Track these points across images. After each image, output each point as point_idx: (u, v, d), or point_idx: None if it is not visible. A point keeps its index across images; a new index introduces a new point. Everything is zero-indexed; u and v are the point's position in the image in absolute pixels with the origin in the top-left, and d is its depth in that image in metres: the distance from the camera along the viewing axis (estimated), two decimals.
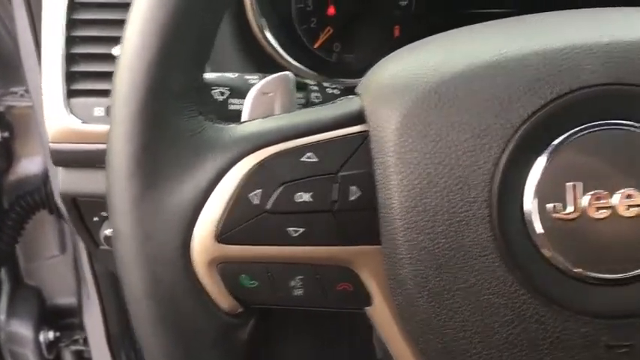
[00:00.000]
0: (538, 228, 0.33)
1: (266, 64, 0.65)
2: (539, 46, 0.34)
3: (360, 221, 0.35)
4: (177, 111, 0.35)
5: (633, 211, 0.32)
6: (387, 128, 0.34)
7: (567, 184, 0.32)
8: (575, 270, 0.33)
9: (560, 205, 0.32)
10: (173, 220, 0.35)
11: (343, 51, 0.71)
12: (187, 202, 0.35)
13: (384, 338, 0.37)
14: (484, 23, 0.39)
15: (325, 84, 0.55)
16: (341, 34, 0.71)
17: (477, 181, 0.33)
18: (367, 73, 0.39)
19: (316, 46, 0.71)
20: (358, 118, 0.36)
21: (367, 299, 0.37)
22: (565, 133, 0.33)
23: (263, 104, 0.41)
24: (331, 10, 0.70)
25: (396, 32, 0.70)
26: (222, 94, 0.49)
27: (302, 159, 0.35)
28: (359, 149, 0.35)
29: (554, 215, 0.32)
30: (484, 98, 0.33)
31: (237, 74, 0.51)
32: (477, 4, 0.69)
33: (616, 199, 0.32)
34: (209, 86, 0.49)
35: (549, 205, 0.33)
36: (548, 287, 0.33)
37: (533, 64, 0.33)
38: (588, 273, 0.33)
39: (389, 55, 0.40)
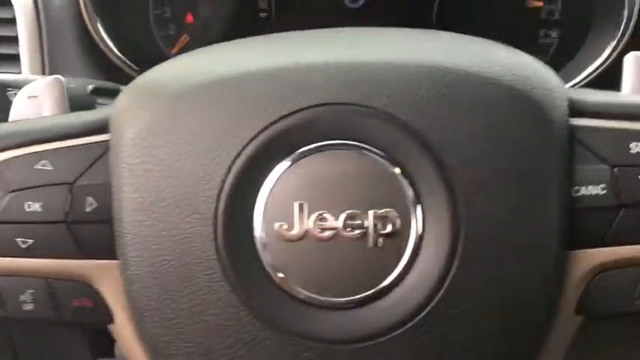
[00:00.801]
0: (265, 248, 0.31)
1: (111, 70, 0.63)
2: (273, 64, 0.33)
3: (97, 234, 0.34)
4: None
5: (357, 234, 0.31)
6: (123, 139, 0.33)
7: (295, 203, 0.31)
8: (302, 292, 0.31)
9: (287, 225, 0.31)
10: None
11: None
12: None
13: (128, 358, 0.36)
14: (243, 40, 0.38)
15: None
16: (199, 40, 0.69)
17: (204, 199, 0.31)
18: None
19: (173, 52, 0.70)
20: (101, 127, 0.34)
21: (109, 316, 0.35)
22: (294, 152, 0.31)
23: (30, 107, 0.39)
24: (189, 18, 0.69)
25: None
26: (16, 95, 0.46)
27: (36, 167, 0.33)
28: (99, 159, 0.34)
29: (281, 235, 0.31)
30: (214, 115, 0.32)
31: (39, 76, 0.48)
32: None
33: (340, 220, 0.31)
34: (4, 87, 0.46)
35: (276, 225, 0.31)
36: (274, 310, 0.31)
37: (264, 82, 0.32)
38: (316, 296, 0.31)
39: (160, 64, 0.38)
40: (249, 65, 0.33)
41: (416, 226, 0.31)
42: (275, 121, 0.31)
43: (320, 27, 0.66)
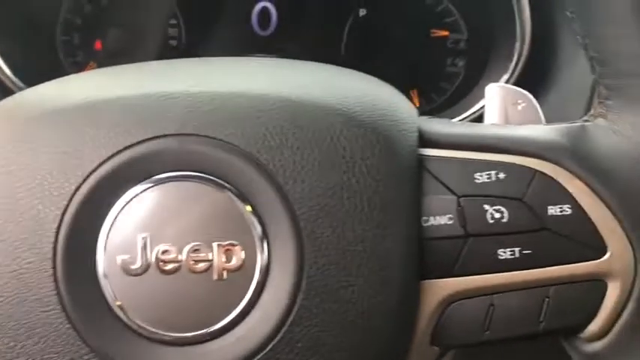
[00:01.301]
0: (107, 282, 0.31)
1: None
2: (122, 92, 0.32)
3: None
4: None
5: (202, 267, 0.31)
6: None
7: (138, 236, 0.31)
8: (146, 328, 0.31)
9: (130, 257, 0.31)
10: None
11: None
12: None
13: None
14: (123, 66, 0.37)
15: None
16: None
17: (42, 232, 0.30)
18: None
19: None
20: None
21: None
22: (138, 183, 0.31)
23: None
24: (98, 45, 0.68)
25: None
26: None
27: None
28: None
29: (124, 269, 0.31)
30: (55, 145, 0.31)
31: None
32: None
33: (184, 253, 0.30)
34: None
35: (119, 258, 0.31)
36: (116, 346, 0.31)
37: (110, 111, 0.31)
38: (160, 332, 0.31)
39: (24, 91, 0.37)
40: (99, 93, 0.33)
41: (261, 258, 0.31)
42: (118, 152, 0.31)
43: (231, 54, 0.67)
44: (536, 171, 0.32)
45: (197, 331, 0.31)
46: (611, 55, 0.32)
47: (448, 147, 0.33)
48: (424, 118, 0.35)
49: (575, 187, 0.32)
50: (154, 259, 0.30)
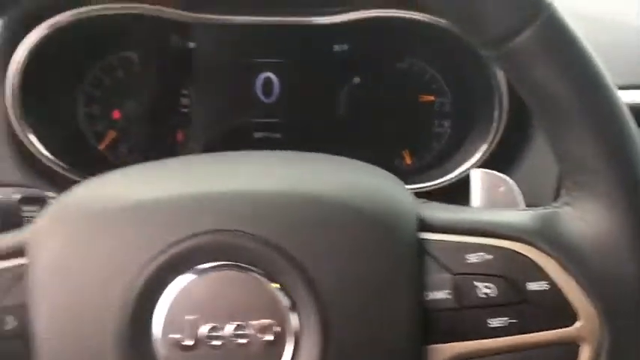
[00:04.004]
0: (163, 357, 0.37)
1: (45, 172, 0.67)
2: (168, 193, 0.38)
3: (16, 350, 0.38)
4: None
5: (242, 342, 0.37)
6: (37, 264, 0.38)
7: (187, 317, 0.37)
8: None
9: (181, 336, 0.37)
10: None
11: (129, 153, 0.76)
12: None
13: None
14: (148, 165, 0.43)
15: None
16: (126, 137, 0.75)
17: (107, 315, 0.36)
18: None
19: (102, 147, 0.75)
20: (19, 251, 0.39)
21: None
22: (186, 272, 0.37)
23: None
24: (116, 114, 0.75)
25: (180, 136, 0.75)
26: None
27: None
28: (17, 282, 0.38)
29: (177, 345, 0.36)
30: (115, 240, 0.37)
31: None
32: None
33: (227, 330, 0.37)
34: None
35: (172, 336, 0.37)
36: None
37: (160, 210, 0.38)
38: None
39: (78, 184, 0.43)
40: (147, 194, 0.39)
41: (293, 332, 0.37)
42: (166, 248, 0.37)
43: (237, 120, 0.74)
44: (516, 252, 0.39)
45: None
46: (575, 154, 0.39)
47: (443, 231, 0.40)
48: (422, 204, 0.42)
49: (549, 265, 0.39)
50: (202, 337, 0.36)
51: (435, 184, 0.70)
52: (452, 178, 0.69)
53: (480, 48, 0.38)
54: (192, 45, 0.73)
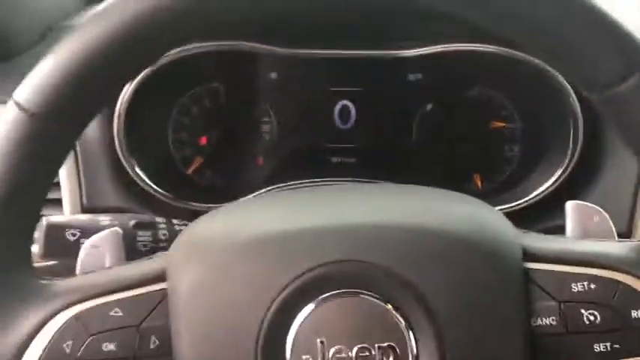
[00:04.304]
0: None
1: (140, 194, 0.72)
2: (295, 226, 0.42)
3: None
4: (9, 268, 0.42)
5: None
6: (178, 289, 0.42)
7: (317, 339, 0.41)
8: None
9: (311, 357, 0.40)
10: None
11: (214, 176, 0.80)
12: (10, 349, 0.41)
13: None
14: (267, 198, 0.48)
15: (174, 220, 0.63)
16: (212, 161, 0.80)
17: (245, 336, 0.40)
18: (182, 232, 0.47)
19: (190, 171, 0.80)
20: (159, 277, 0.43)
21: None
22: (315, 298, 0.41)
23: (94, 257, 0.48)
24: (203, 140, 0.79)
25: (260, 161, 0.80)
26: (73, 235, 0.56)
27: (110, 313, 0.42)
28: (159, 305, 0.43)
29: None
30: (253, 269, 0.41)
31: (89, 216, 0.58)
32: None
33: (354, 352, 0.40)
34: (63, 228, 0.55)
35: (304, 357, 0.41)
36: None
37: (290, 241, 0.42)
38: None
39: (203, 216, 0.48)
40: (279, 226, 0.43)
41: (412, 354, 0.40)
42: (296, 277, 0.41)
43: (315, 145, 0.78)
44: (619, 282, 0.42)
45: None
46: None
47: (547, 261, 0.43)
48: (523, 233, 0.45)
49: None
50: (330, 358, 0.40)
51: (509, 207, 0.73)
52: (527, 201, 0.72)
53: (583, 90, 0.42)
54: (274, 75, 0.77)
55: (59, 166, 0.42)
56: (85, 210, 0.70)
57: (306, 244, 0.42)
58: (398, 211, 0.44)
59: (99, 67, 0.39)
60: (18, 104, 0.39)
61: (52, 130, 0.40)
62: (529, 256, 0.43)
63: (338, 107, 0.79)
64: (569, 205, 0.48)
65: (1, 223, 0.40)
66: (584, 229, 0.47)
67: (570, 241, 0.46)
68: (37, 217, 0.43)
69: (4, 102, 0.40)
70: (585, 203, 0.49)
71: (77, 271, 0.47)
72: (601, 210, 0.48)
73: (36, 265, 0.46)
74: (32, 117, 0.39)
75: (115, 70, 0.39)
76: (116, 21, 0.38)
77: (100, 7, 0.39)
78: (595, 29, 0.39)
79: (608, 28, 0.39)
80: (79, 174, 0.70)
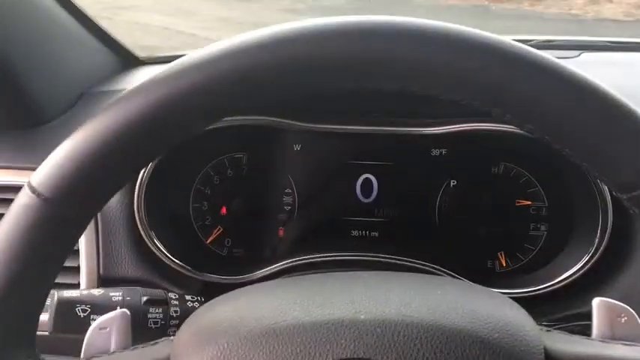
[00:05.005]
0: None
1: (157, 264, 0.72)
2: (304, 318, 0.41)
3: None
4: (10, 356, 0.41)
5: None
6: None
7: None
8: None
9: None
10: None
11: (233, 246, 0.80)
12: None
13: None
14: (276, 285, 0.46)
15: (187, 296, 0.62)
16: (232, 231, 0.79)
17: None
18: (189, 318, 0.46)
19: (209, 241, 0.79)
20: None
21: None
22: None
23: (100, 339, 0.47)
24: (223, 210, 0.79)
25: (281, 232, 0.79)
26: (84, 311, 0.55)
27: None
28: None
29: None
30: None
31: (102, 291, 0.58)
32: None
33: None
34: (73, 304, 0.55)
35: None
36: None
37: (298, 335, 0.40)
38: None
39: (211, 301, 0.47)
40: (286, 318, 0.41)
41: None
42: None
43: (337, 218, 0.77)
44: None
45: None
46: None
47: None
48: (545, 332, 0.43)
49: None
50: None
51: (533, 291, 0.70)
52: (552, 285, 0.69)
53: (610, 188, 0.40)
54: (297, 147, 0.78)
55: (70, 249, 0.42)
56: (101, 279, 0.70)
57: (321, 337, 0.40)
58: (418, 308, 0.42)
59: (114, 157, 0.39)
60: (31, 187, 0.40)
61: (64, 215, 0.40)
62: (550, 357, 0.41)
63: (360, 181, 0.78)
64: (596, 303, 0.46)
65: (6, 309, 0.40)
66: (611, 329, 0.45)
67: (596, 345, 0.43)
68: (43, 302, 0.43)
69: (33, 169, 0.40)
70: (613, 301, 0.46)
71: (82, 355, 0.46)
72: (629, 308, 0.45)
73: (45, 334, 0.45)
74: (46, 201, 0.39)
75: (131, 158, 0.40)
76: (133, 110, 0.39)
77: (119, 96, 0.40)
78: (624, 135, 0.38)
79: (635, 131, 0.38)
80: (98, 243, 0.70)
